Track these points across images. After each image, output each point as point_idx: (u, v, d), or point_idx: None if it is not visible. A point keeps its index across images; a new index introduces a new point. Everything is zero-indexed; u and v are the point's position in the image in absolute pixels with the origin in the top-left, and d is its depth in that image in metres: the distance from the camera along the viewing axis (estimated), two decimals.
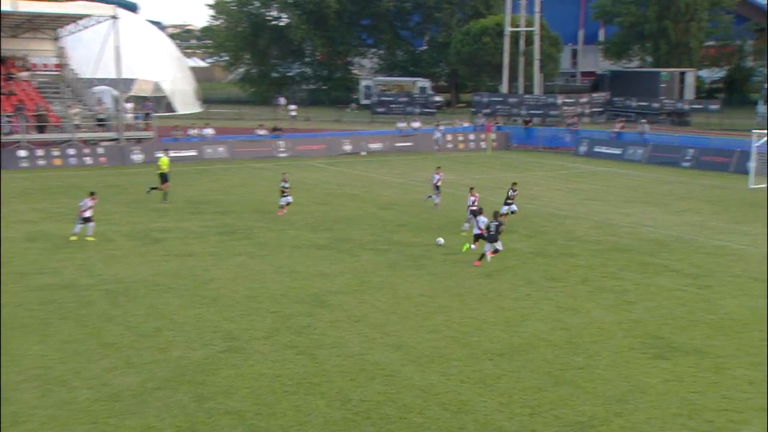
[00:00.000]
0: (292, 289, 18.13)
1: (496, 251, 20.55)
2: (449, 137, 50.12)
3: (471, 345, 14.54)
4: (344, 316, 16.17)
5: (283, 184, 26.91)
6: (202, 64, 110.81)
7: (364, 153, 47.08)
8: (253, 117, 65.03)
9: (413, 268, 20.07)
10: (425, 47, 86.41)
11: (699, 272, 19.57)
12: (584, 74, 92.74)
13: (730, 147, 40.93)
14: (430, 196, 28.73)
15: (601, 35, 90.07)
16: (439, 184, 28.58)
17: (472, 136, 51.05)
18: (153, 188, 30.25)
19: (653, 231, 24.62)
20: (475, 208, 22.89)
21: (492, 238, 20.43)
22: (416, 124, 51.67)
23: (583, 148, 47.10)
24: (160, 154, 30.97)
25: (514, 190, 25.75)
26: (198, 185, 33.61)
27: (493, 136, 50.50)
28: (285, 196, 26.87)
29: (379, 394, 12.45)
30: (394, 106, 68.63)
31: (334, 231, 24.60)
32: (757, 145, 34.80)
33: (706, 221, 26.23)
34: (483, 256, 20.55)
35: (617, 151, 45.18)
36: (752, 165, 34.75)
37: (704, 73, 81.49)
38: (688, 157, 41.23)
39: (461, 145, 50.26)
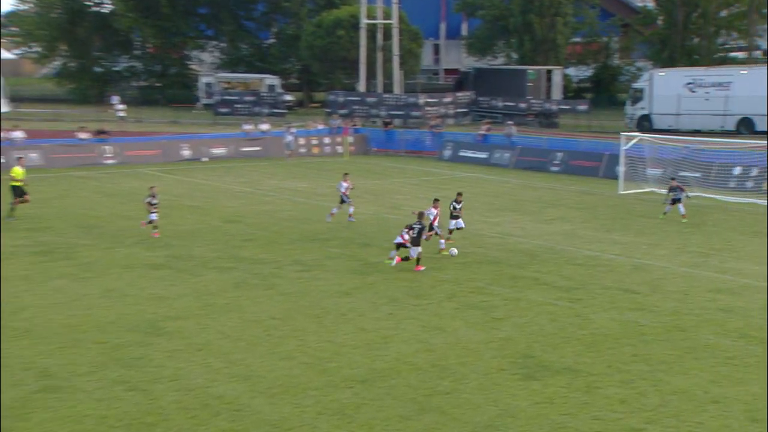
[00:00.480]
0: (123, 315, 17.58)
1: (410, 257, 21.64)
2: (302, 141, 50.20)
3: (328, 372, 14.61)
4: (184, 345, 15.84)
5: (149, 199, 25.79)
6: (7, 55, 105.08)
7: (205, 159, 46.36)
8: (74, 118, 62.44)
9: (263, 288, 19.97)
10: (273, 40, 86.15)
11: (570, 285, 20.59)
12: (447, 71, 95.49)
13: (599, 150, 43.31)
14: (333, 212, 28.61)
15: (464, 29, 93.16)
16: (347, 192, 28.37)
17: (327, 140, 51.34)
18: (15, 203, 28.28)
19: (522, 241, 25.66)
20: (435, 223, 23.60)
21: (415, 242, 21.46)
22: (265, 127, 51.41)
23: (447, 152, 48.45)
24: (13, 164, 29.71)
25: (459, 202, 25.11)
26: (6, 197, 31.86)
27: (350, 139, 51.01)
28: (152, 213, 25.71)
29: (224, 431, 12.28)
30: (239, 106, 67.94)
31: (172, 248, 24.08)
32: (625, 148, 37.04)
33: (577, 230, 27.62)
34: (418, 260, 21.56)
35: (483, 155, 46.80)
36: (621, 169, 36.94)
37: (571, 71, 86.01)
38: (556, 161, 43.31)
39: (316, 150, 50.44)
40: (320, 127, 54.59)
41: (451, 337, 16.60)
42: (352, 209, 28.41)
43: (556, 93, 71.18)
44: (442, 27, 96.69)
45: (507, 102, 67.21)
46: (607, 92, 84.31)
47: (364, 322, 17.45)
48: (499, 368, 14.85)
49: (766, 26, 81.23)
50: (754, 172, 35.67)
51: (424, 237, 22.36)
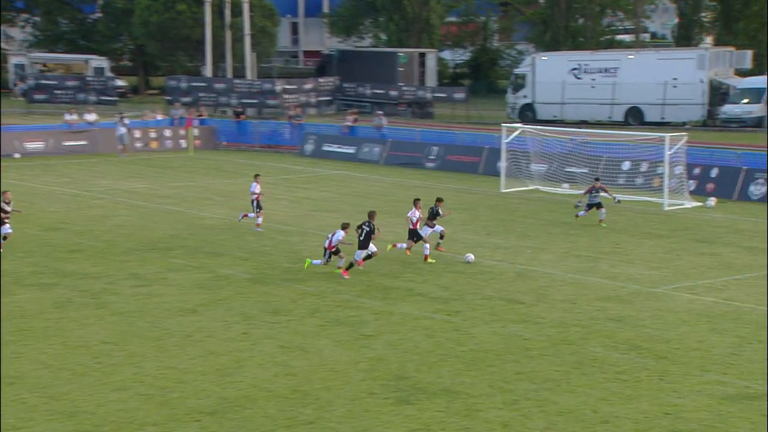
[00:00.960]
0: None
1: (369, 257, 22.59)
2: (138, 134, 49.23)
3: (171, 403, 14.39)
4: None
5: (3, 205, 24.43)
6: None
7: (17, 155, 44.77)
8: None
9: (92, 307, 19.54)
10: (99, 15, 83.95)
11: (448, 295, 21.01)
12: (308, 54, 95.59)
13: (478, 144, 44.36)
14: (245, 215, 28.24)
15: (326, 6, 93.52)
16: (260, 197, 28.10)
17: (168, 132, 50.56)
18: None
19: (395, 248, 25.96)
20: (417, 227, 24.30)
21: (363, 244, 22.35)
22: (91, 117, 50.10)
23: (309, 147, 48.53)
24: None
25: (437, 207, 25.23)
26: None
27: (195, 131, 50.40)
28: (3, 224, 24.34)
29: None
30: (59, 92, 65.89)
31: None
32: (507, 141, 38.08)
33: (455, 233, 28.18)
34: (351, 265, 22.28)
35: (350, 150, 47.14)
36: (503, 165, 37.96)
37: (447, 54, 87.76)
38: (432, 157, 44.09)
39: (154, 144, 49.60)
40: (159, 117, 53.59)
41: (315, 358, 16.63)
42: (260, 219, 28.16)
43: (431, 79, 72.40)
44: (301, 3, 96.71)
45: (376, 89, 67.89)
46: (486, 78, 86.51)
47: (214, 344, 17.25)
48: (369, 392, 14.99)
49: (653, 6, 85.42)
50: (644, 167, 37.38)
51: (401, 246, 24.19)
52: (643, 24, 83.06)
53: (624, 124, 58.34)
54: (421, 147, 45.29)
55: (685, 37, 74.82)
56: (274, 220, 29.80)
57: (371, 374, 15.82)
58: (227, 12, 65.86)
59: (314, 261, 22.84)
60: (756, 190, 35.00)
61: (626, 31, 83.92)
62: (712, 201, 33.91)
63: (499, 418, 14.05)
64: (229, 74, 67.06)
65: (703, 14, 76.73)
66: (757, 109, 57.42)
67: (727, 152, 39.68)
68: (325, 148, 47.97)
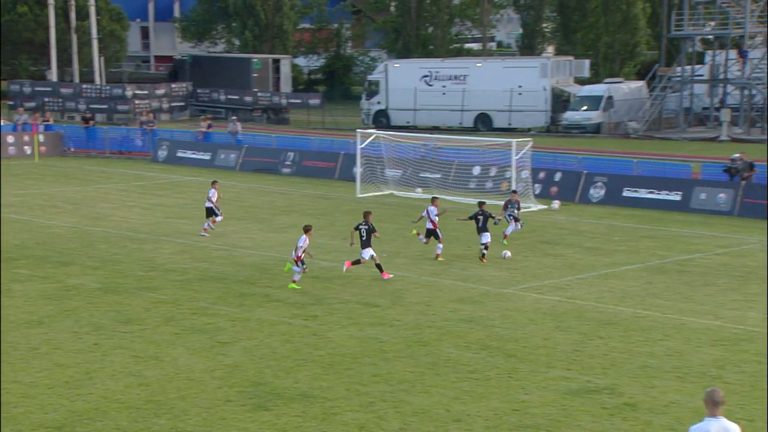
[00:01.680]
0: None
1: (357, 262, 22.87)
2: None
3: (15, 419, 13.86)
4: None
5: None
6: None
7: None
8: None
9: None
10: None
11: (305, 300, 20.97)
12: (159, 59, 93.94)
13: (334, 149, 44.58)
14: (205, 230, 27.76)
15: (177, 10, 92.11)
16: (218, 204, 27.80)
17: (11, 139, 48.88)
18: None
19: (251, 253, 25.81)
20: (433, 226, 25.02)
21: (365, 243, 22.75)
22: None
23: (162, 153, 47.65)
24: None
25: (484, 209, 25.20)
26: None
27: (41, 138, 48.82)
28: None
29: None
30: None
31: None
32: (361, 147, 38.39)
33: (313, 238, 28.15)
34: (380, 269, 22.67)
35: (206, 156, 46.53)
36: (358, 171, 38.24)
37: (301, 61, 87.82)
38: (288, 162, 43.99)
39: None
40: (2, 123, 51.62)
41: (170, 367, 16.32)
42: (219, 218, 28.21)
43: (285, 85, 72.37)
44: (151, 7, 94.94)
45: (230, 95, 67.38)
46: (341, 84, 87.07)
47: (62, 357, 16.73)
48: (225, 399, 14.81)
49: (499, 16, 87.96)
50: (493, 171, 38.32)
51: (422, 241, 25.28)
52: (490, 33, 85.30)
53: (474, 130, 59.71)
54: (277, 153, 45.12)
55: (528, 46, 77.30)
56: (126, 228, 29.15)
57: (227, 381, 15.63)
58: (72, 15, 64.01)
59: (295, 277, 22.01)
60: (595, 193, 36.39)
61: (474, 40, 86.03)
62: (556, 204, 34.98)
63: (356, 420, 14.11)
64: (77, 79, 65.22)
65: (544, 25, 79.46)
66: (595, 116, 59.84)
67: (569, 157, 41.14)
68: (179, 154, 47.20)
